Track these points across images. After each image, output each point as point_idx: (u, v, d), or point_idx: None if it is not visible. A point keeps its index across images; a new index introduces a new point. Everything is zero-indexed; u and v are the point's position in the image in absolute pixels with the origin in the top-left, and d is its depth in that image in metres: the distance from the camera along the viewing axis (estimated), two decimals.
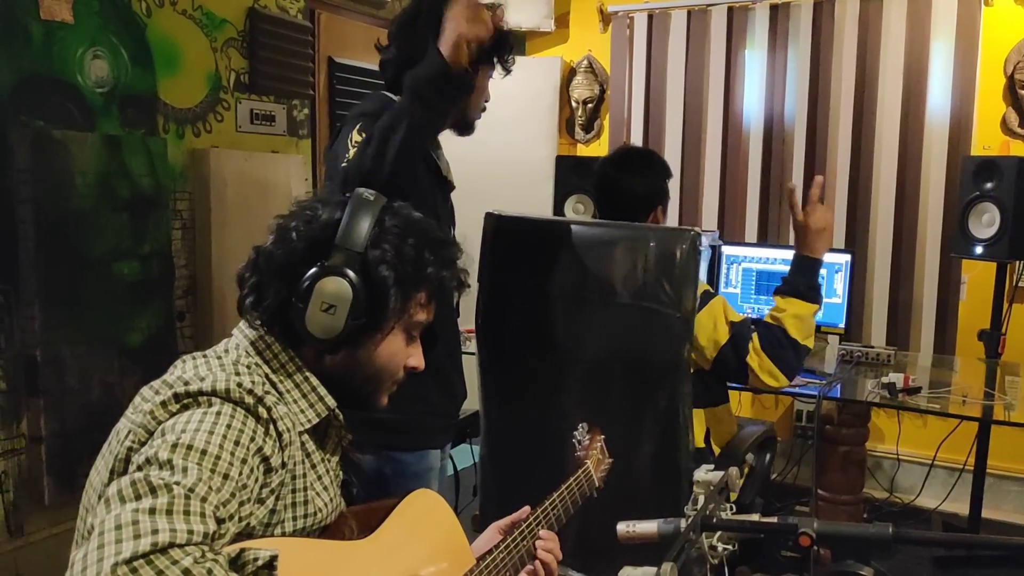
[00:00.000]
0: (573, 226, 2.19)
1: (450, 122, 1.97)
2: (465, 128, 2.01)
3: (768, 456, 2.35)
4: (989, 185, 3.17)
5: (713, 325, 2.18)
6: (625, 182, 2.36)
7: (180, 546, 0.88)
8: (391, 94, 1.96)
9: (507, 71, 2.01)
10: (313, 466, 1.20)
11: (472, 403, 2.44)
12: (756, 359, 2.15)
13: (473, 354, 2.36)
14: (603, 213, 2.42)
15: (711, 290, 2.28)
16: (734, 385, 2.38)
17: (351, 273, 1.16)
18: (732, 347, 2.17)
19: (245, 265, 1.23)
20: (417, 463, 1.91)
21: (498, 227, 2.25)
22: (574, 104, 4.68)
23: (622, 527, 1.19)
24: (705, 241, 2.37)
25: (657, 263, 2.05)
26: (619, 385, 2.13)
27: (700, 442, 2.27)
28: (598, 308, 2.12)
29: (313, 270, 1.16)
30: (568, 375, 2.18)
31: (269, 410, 1.11)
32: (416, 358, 1.29)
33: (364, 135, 1.74)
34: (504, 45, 1.97)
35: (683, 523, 1.12)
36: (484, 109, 2.04)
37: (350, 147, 1.78)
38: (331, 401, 1.21)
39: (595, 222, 2.24)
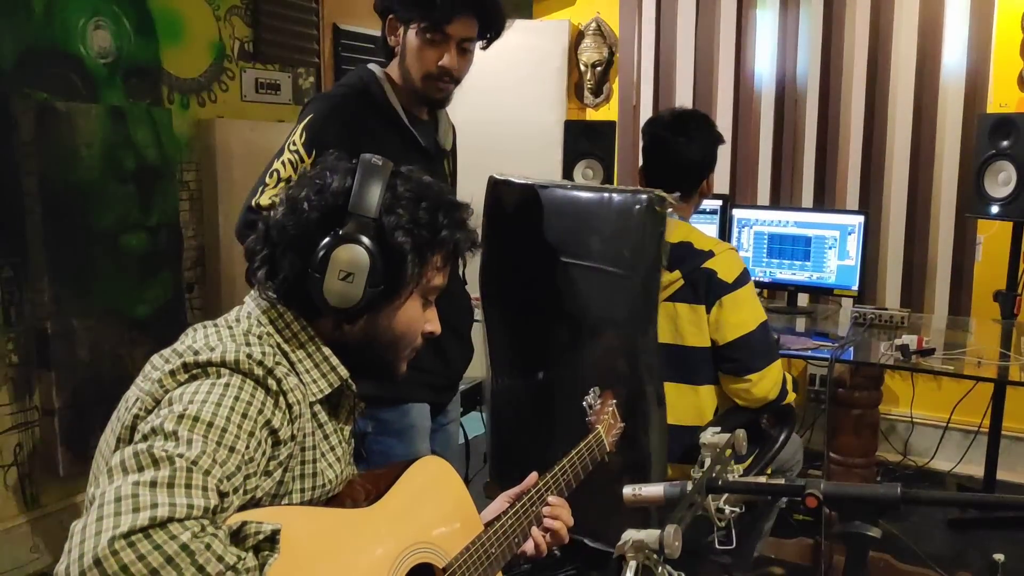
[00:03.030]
0: (547, 189, 2.13)
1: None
2: (422, 98, 1.89)
3: (785, 433, 2.25)
4: (1005, 143, 3.11)
5: (751, 309, 2.19)
6: (683, 146, 2.27)
7: (179, 521, 0.87)
8: (377, 68, 1.92)
9: (433, 28, 1.81)
10: (326, 436, 1.20)
11: (480, 371, 2.43)
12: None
13: (480, 321, 2.34)
14: (653, 177, 2.32)
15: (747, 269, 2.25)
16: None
17: (367, 240, 1.14)
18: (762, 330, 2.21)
19: (255, 238, 1.21)
20: (399, 420, 1.87)
21: (494, 192, 2.22)
22: (582, 68, 4.62)
23: (628, 491, 1.18)
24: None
25: (617, 226, 1.97)
26: (591, 352, 2.08)
27: (708, 419, 2.21)
28: (573, 272, 2.06)
29: (328, 239, 1.14)
30: (559, 340, 2.15)
31: (279, 382, 1.09)
32: (433, 323, 1.29)
33: (304, 147, 1.74)
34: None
35: (689, 486, 1.11)
36: (437, 78, 1.85)
37: (287, 150, 1.78)
38: (343, 371, 1.20)
39: (565, 184, 2.15)
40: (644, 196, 1.93)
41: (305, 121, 1.80)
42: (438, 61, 1.84)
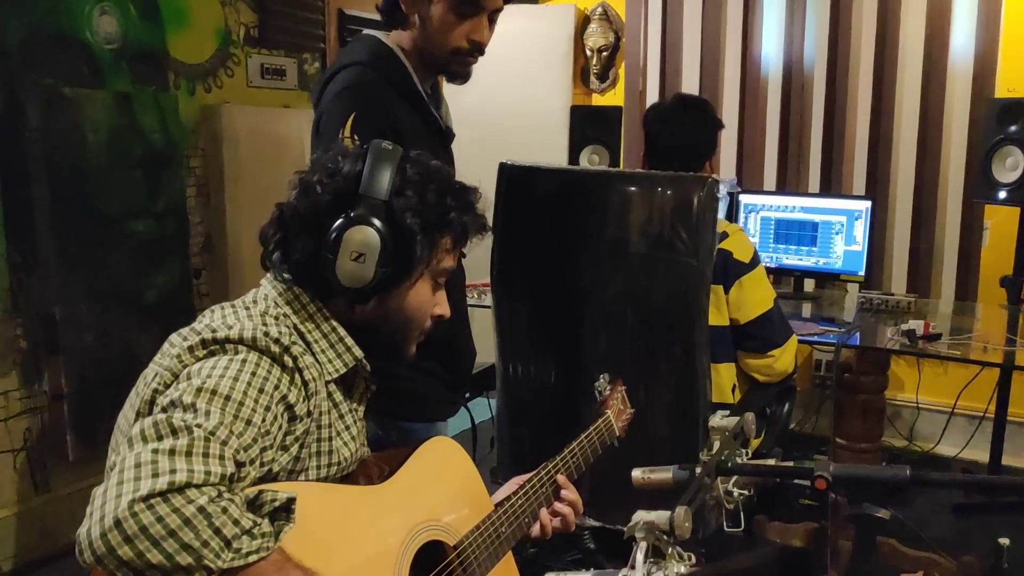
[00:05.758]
0: (587, 175, 2.15)
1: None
2: (445, 72, 1.80)
3: (787, 406, 2.34)
4: (1013, 128, 3.11)
5: (767, 287, 2.28)
6: (685, 131, 2.31)
7: (196, 486, 0.90)
8: (380, 34, 1.78)
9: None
10: (341, 416, 1.22)
11: (488, 356, 2.43)
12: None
13: (489, 307, 2.35)
14: (656, 162, 2.35)
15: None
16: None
17: (377, 222, 1.17)
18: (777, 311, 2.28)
19: (269, 222, 1.24)
20: (426, 432, 1.84)
21: (512, 178, 2.22)
22: (588, 53, 4.60)
23: (637, 473, 1.19)
24: (723, 189, 2.33)
25: (673, 211, 2.01)
26: (633, 335, 2.11)
27: (727, 396, 2.25)
28: (612, 258, 2.09)
29: (340, 221, 1.17)
30: (583, 326, 2.17)
31: (295, 359, 1.12)
32: (442, 306, 1.31)
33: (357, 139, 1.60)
34: None
35: (698, 469, 1.11)
36: (468, 53, 1.75)
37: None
38: (358, 351, 1.22)
39: (608, 171, 2.20)
40: (704, 181, 1.98)
41: (351, 121, 1.66)
42: (469, 35, 1.73)
